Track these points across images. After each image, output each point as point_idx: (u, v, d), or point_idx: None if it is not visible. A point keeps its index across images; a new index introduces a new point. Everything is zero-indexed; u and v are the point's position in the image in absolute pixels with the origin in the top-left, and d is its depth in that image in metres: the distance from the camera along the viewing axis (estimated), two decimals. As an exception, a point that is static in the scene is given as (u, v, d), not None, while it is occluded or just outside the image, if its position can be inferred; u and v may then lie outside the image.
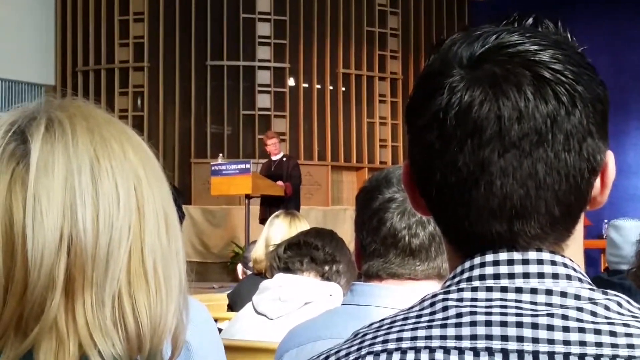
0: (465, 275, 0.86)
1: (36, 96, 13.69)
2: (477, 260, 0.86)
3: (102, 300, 0.85)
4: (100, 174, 0.87)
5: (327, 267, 2.67)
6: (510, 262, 0.85)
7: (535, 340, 0.80)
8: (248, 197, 10.67)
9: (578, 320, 0.80)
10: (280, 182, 10.71)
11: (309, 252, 2.68)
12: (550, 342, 0.79)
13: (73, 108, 0.91)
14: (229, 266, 11.98)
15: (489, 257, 0.86)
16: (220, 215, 12.63)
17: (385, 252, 1.69)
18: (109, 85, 13.55)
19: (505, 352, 0.80)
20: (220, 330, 3.10)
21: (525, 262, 0.85)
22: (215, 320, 3.72)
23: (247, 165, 10.57)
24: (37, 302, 0.83)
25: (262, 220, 9.97)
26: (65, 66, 13.84)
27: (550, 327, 0.80)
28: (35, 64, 13.50)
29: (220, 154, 11.81)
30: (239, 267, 4.85)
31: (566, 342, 0.79)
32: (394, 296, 1.68)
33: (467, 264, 0.87)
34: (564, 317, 0.81)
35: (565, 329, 0.80)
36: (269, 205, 10.38)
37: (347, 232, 12.34)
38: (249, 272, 4.57)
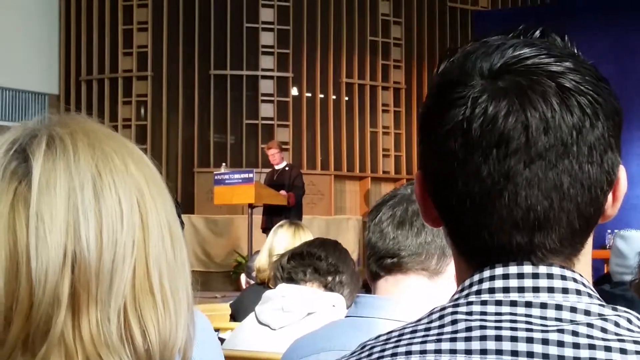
0: (475, 288, 0.86)
1: (40, 105, 13.71)
2: (486, 273, 0.86)
3: (108, 316, 0.85)
4: (103, 189, 0.86)
5: (330, 278, 2.67)
6: (520, 276, 0.84)
7: (545, 357, 0.79)
8: (251, 206, 10.67)
9: (588, 336, 0.80)
10: (283, 192, 10.71)
11: (312, 262, 2.67)
12: (561, 358, 0.79)
13: (73, 124, 0.91)
14: (231, 276, 11.97)
15: (499, 271, 0.85)
16: (223, 225, 12.62)
17: (375, 240, 1.74)
18: (112, 94, 13.57)
19: None
20: (222, 340, 3.10)
21: (535, 276, 0.84)
22: (218, 330, 3.72)
23: (250, 175, 10.56)
24: (42, 321, 0.83)
25: (265, 230, 9.99)
26: (69, 75, 13.86)
27: (560, 343, 0.80)
28: (39, 73, 13.53)
29: (224, 163, 11.80)
30: (243, 277, 4.84)
31: (576, 359, 0.79)
32: (397, 308, 1.69)
33: (476, 277, 0.86)
34: (574, 333, 0.80)
35: (576, 346, 0.79)
36: (271, 215, 10.38)
37: (350, 242, 12.24)
38: (252, 282, 4.57)
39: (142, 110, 13.59)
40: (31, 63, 13.32)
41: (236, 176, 10.74)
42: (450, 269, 1.73)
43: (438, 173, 0.87)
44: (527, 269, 0.84)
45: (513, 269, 0.85)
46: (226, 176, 10.84)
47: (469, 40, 0.93)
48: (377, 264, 1.75)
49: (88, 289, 0.84)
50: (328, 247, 2.70)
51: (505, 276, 0.85)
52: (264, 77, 13.62)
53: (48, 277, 0.83)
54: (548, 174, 0.83)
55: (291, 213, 10.23)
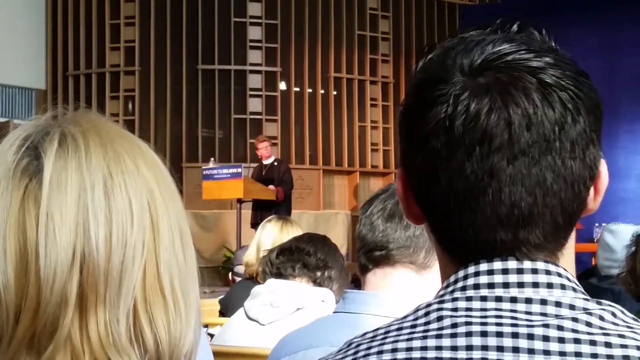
0: (460, 284, 0.86)
1: (27, 100, 13.65)
2: (471, 269, 0.86)
3: (117, 317, 0.85)
4: (114, 190, 0.86)
5: (319, 273, 2.67)
6: (505, 271, 0.84)
7: (531, 352, 0.79)
8: (240, 201, 10.66)
9: (573, 330, 0.80)
10: (271, 187, 10.71)
11: (301, 257, 2.67)
12: (546, 352, 0.79)
13: (86, 122, 0.90)
14: (220, 271, 11.96)
15: (483, 267, 0.85)
16: (212, 220, 12.61)
17: (365, 232, 1.76)
18: (100, 89, 13.52)
19: None
20: (211, 335, 3.09)
21: (520, 271, 0.84)
22: (206, 326, 3.71)
23: (239, 170, 10.55)
24: (49, 320, 0.83)
25: (254, 225, 9.99)
26: (56, 70, 13.80)
27: (545, 338, 0.80)
28: (26, 68, 13.46)
29: (212, 158, 11.79)
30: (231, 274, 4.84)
31: (562, 353, 0.79)
32: (385, 304, 1.70)
33: (460, 273, 0.86)
34: (560, 328, 0.80)
35: (561, 340, 0.80)
36: (261, 210, 10.39)
37: (338, 236, 12.26)
38: (237, 278, 4.58)
39: (130, 105, 13.55)
40: (18, 58, 13.26)
41: (225, 171, 10.72)
42: (438, 264, 1.74)
43: (421, 171, 0.87)
44: (512, 264, 0.85)
45: (497, 265, 0.85)
46: (215, 171, 10.82)
47: (447, 36, 0.92)
48: (366, 257, 1.76)
49: (96, 290, 0.84)
50: (317, 242, 2.70)
51: (490, 272, 0.85)
52: (252, 71, 13.60)
53: (56, 276, 0.82)
54: (531, 170, 0.83)
55: (280, 208, 10.24)
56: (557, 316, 0.81)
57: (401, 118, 0.90)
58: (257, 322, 2.74)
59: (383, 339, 0.85)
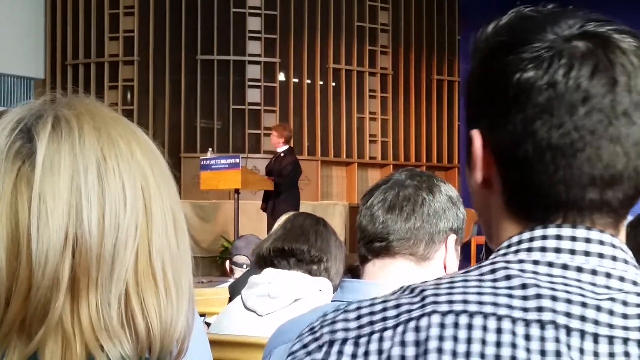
0: (524, 245, 0.86)
1: (26, 90, 13.63)
2: (538, 232, 0.86)
3: (108, 301, 0.85)
4: (107, 174, 0.86)
5: (314, 267, 2.65)
6: (573, 239, 0.86)
7: (596, 322, 0.80)
8: (237, 191, 10.65)
9: (637, 306, 0.82)
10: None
11: (294, 255, 2.64)
12: (610, 326, 0.80)
13: (80, 106, 0.90)
14: (218, 261, 11.97)
15: (552, 231, 0.86)
16: (210, 210, 12.60)
17: (366, 223, 1.77)
18: (98, 79, 13.50)
19: (568, 329, 0.80)
20: (208, 324, 3.10)
21: (588, 240, 0.86)
22: (203, 315, 3.72)
23: (237, 160, 10.54)
24: (41, 303, 0.83)
25: (265, 209, 10.37)
26: (55, 60, 13.77)
27: (611, 312, 0.81)
28: (24, 57, 13.44)
29: (210, 149, 11.78)
30: (228, 262, 4.85)
31: (625, 328, 0.80)
32: (383, 292, 1.69)
33: (525, 235, 0.87)
34: (624, 303, 0.82)
35: (624, 316, 0.81)
36: (267, 199, 10.50)
37: (336, 227, 12.26)
38: (235, 268, 4.58)
39: (129, 95, 13.53)
40: (17, 47, 13.23)
41: (222, 161, 10.71)
42: (438, 256, 1.75)
43: (513, 128, 0.87)
44: (580, 232, 0.86)
45: (567, 232, 0.86)
46: (212, 161, 10.81)
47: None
48: (366, 248, 1.77)
49: (88, 273, 0.84)
50: (309, 236, 2.64)
51: (558, 237, 0.86)
52: (251, 62, 13.58)
53: (48, 259, 0.82)
54: (630, 130, 0.85)
55: (279, 198, 10.25)
56: (621, 290, 0.83)
57: (480, 80, 0.91)
58: (255, 312, 2.73)
59: (450, 288, 0.84)
